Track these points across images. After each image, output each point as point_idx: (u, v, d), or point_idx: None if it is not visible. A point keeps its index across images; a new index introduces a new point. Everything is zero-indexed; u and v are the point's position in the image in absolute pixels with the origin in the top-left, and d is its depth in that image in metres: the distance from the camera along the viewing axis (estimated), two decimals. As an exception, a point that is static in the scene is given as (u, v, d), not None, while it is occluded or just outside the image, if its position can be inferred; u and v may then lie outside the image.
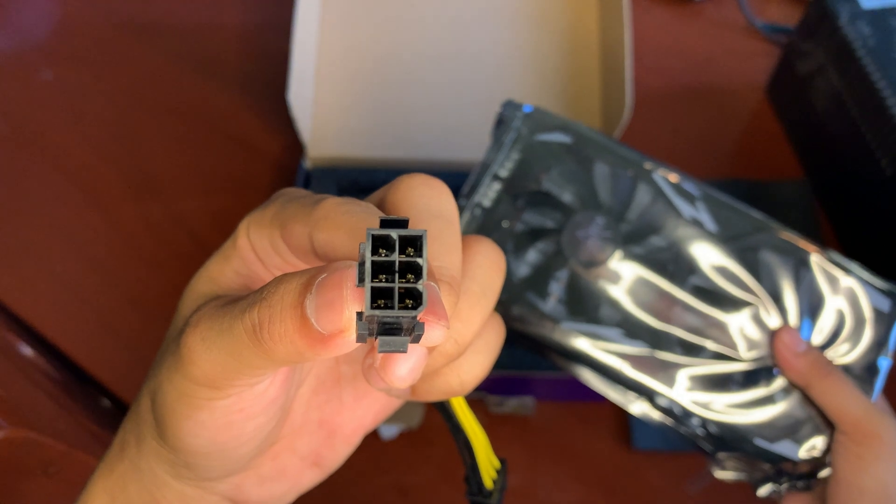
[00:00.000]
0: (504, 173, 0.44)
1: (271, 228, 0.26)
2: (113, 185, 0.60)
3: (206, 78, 0.66)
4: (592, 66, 0.59)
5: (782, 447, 0.38)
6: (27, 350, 0.55)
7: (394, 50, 0.59)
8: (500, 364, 0.48)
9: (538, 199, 0.43)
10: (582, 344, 0.40)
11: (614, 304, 0.41)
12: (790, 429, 0.38)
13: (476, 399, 0.51)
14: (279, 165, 0.60)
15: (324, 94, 0.58)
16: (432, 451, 0.49)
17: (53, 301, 0.54)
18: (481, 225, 0.43)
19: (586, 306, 0.41)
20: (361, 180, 0.55)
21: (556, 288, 0.41)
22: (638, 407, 0.40)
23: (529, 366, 0.48)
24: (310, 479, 0.29)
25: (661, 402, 0.39)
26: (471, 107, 0.58)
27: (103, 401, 0.58)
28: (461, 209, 0.43)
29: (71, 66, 0.66)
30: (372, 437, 0.50)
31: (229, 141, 0.62)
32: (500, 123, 0.46)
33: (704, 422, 0.39)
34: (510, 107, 0.46)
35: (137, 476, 0.26)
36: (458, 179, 0.55)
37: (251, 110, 0.64)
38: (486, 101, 0.58)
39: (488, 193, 0.44)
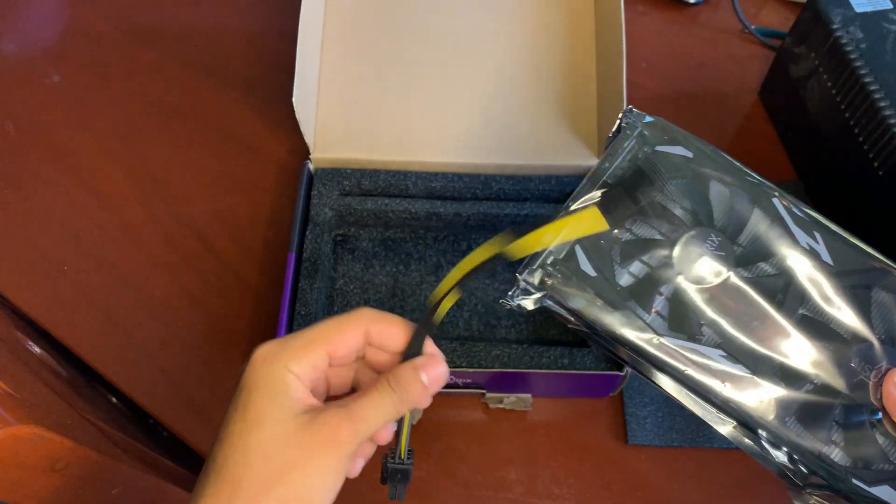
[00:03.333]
0: (617, 181, 0.43)
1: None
2: (120, 185, 0.61)
3: (212, 81, 0.66)
4: (588, 71, 0.60)
5: (881, 491, 0.36)
6: (35, 348, 0.55)
7: (396, 54, 0.60)
8: (500, 362, 0.49)
9: (649, 210, 0.42)
10: (680, 360, 0.39)
11: (717, 325, 0.39)
12: (892, 474, 0.36)
13: (476, 395, 0.51)
14: (284, 167, 0.61)
15: (327, 98, 0.59)
16: (432, 446, 0.50)
17: (61, 300, 0.55)
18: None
19: (689, 323, 0.40)
20: (364, 183, 0.56)
21: (660, 301, 0.40)
22: (727, 429, 0.39)
23: (528, 364, 0.49)
24: None
25: (754, 427, 0.38)
26: (471, 110, 0.59)
27: (110, 398, 0.59)
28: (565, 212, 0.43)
29: (78, 70, 0.67)
30: (373, 433, 0.50)
31: (235, 143, 0.63)
32: (619, 131, 0.45)
33: (797, 454, 0.37)
34: (631, 115, 0.46)
35: None
36: (457, 181, 0.57)
37: (256, 113, 0.65)
38: (486, 104, 0.59)
39: (596, 199, 0.43)
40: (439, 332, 0.54)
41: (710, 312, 0.40)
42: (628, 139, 0.44)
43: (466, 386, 0.50)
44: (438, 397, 0.51)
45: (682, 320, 0.40)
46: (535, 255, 0.43)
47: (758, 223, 0.41)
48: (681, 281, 0.41)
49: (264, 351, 0.32)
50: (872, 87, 0.50)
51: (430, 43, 0.61)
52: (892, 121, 0.49)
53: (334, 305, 0.55)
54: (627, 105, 0.51)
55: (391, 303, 0.55)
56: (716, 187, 0.43)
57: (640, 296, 0.41)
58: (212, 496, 0.29)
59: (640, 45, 0.69)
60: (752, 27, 0.70)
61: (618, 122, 0.45)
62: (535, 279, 0.42)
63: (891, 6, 0.54)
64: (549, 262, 0.42)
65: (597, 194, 0.43)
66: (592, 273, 0.41)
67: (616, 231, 0.42)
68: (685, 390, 0.40)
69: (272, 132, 0.63)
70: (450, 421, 0.51)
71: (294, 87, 0.52)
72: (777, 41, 0.68)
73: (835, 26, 0.54)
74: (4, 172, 0.61)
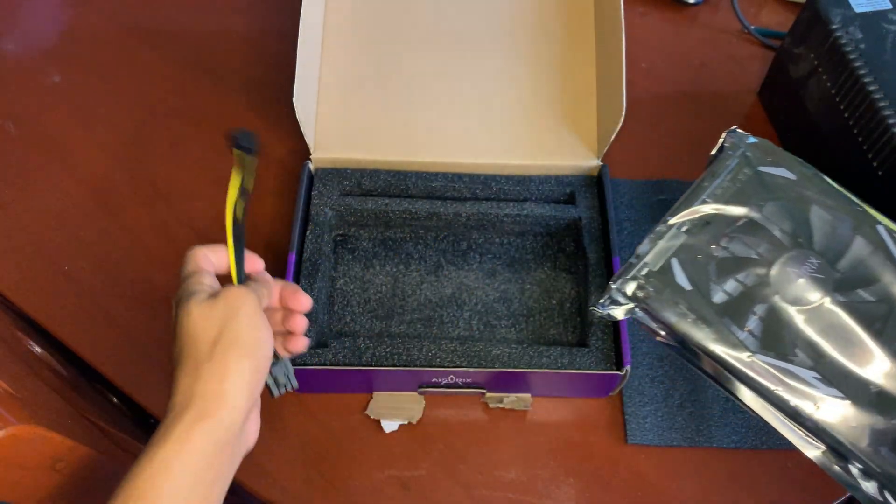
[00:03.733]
0: (717, 199, 0.44)
1: None
2: (120, 185, 0.61)
3: (212, 81, 0.67)
4: (588, 72, 0.60)
5: None
6: (36, 347, 0.55)
7: (395, 54, 0.60)
8: (500, 362, 0.49)
9: (747, 229, 0.42)
10: (771, 379, 0.39)
11: (812, 347, 0.39)
12: None
13: (476, 395, 0.51)
14: (284, 167, 0.61)
15: (328, 98, 0.59)
16: (432, 445, 0.50)
17: (62, 299, 0.55)
18: (682, 245, 0.43)
19: (782, 343, 0.39)
20: (365, 183, 0.56)
21: (754, 320, 0.40)
22: (815, 453, 0.39)
23: (528, 364, 0.49)
24: None
25: (845, 454, 0.37)
26: (470, 110, 0.59)
27: (110, 397, 0.59)
28: (667, 230, 0.43)
29: (79, 70, 0.67)
30: (373, 432, 0.50)
31: (234, 143, 0.63)
32: (721, 150, 0.45)
33: (889, 485, 0.36)
34: (735, 136, 0.46)
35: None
36: (457, 181, 0.57)
37: (256, 113, 0.65)
38: (486, 104, 0.59)
39: (696, 216, 0.43)
40: (440, 332, 0.54)
41: (806, 334, 0.39)
42: (731, 159, 0.45)
43: (467, 385, 0.50)
44: (439, 397, 0.51)
45: (775, 340, 0.40)
46: (629, 266, 0.43)
47: (860, 249, 0.41)
48: (777, 301, 0.40)
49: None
50: (872, 88, 0.50)
51: (430, 44, 0.61)
52: (892, 121, 0.49)
53: (335, 305, 0.55)
54: (626, 105, 0.52)
55: (391, 302, 0.55)
56: (817, 211, 0.43)
57: (733, 313, 0.40)
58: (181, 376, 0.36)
59: (640, 46, 0.70)
60: (752, 27, 0.70)
61: (721, 141, 0.45)
62: (629, 290, 0.42)
63: (890, 6, 0.54)
64: (643, 273, 0.42)
65: (699, 210, 0.43)
66: (688, 287, 0.42)
67: (713, 247, 0.42)
68: (773, 410, 0.39)
69: (272, 132, 0.63)
70: (450, 421, 0.51)
71: (294, 88, 0.52)
72: (777, 41, 0.68)
73: (834, 27, 0.54)
74: (5, 172, 0.61)
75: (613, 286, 0.43)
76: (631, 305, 0.42)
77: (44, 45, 0.69)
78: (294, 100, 0.52)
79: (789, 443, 0.49)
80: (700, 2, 0.72)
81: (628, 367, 0.47)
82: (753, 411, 0.40)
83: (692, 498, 0.49)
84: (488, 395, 0.51)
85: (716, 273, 0.42)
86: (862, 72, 0.51)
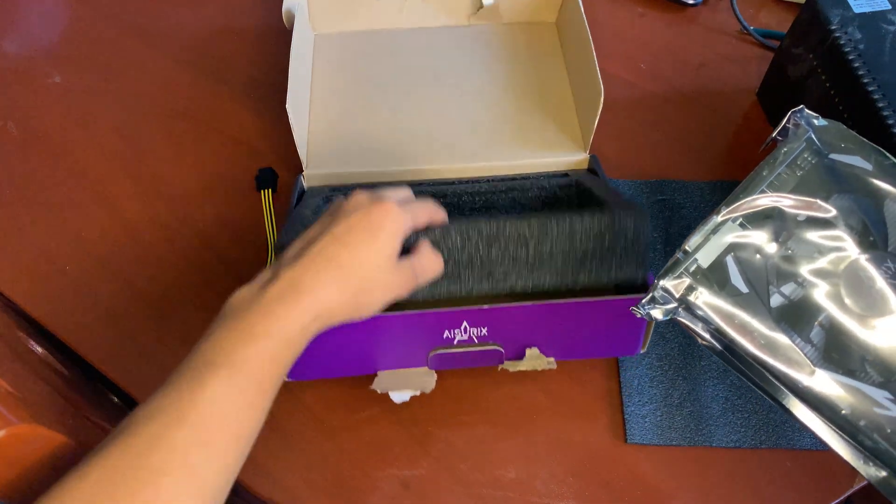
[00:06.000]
0: (779, 190, 0.38)
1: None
2: (120, 185, 0.61)
3: (212, 81, 0.67)
4: (560, 76, 0.62)
5: None
6: (36, 347, 0.55)
7: (382, 84, 0.62)
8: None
9: (813, 226, 0.38)
10: (835, 398, 0.35)
11: (885, 364, 0.35)
12: None
13: (493, 367, 0.49)
14: (285, 167, 0.62)
15: (319, 120, 0.60)
16: (433, 444, 0.50)
17: (62, 299, 0.55)
18: (738, 242, 0.38)
19: (849, 357, 0.35)
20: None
21: (817, 329, 0.36)
22: (877, 475, 0.35)
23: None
24: None
25: None
26: (457, 120, 0.60)
27: (111, 397, 0.59)
28: (722, 223, 0.38)
29: (78, 70, 0.67)
30: (374, 432, 0.50)
31: (235, 143, 0.63)
32: (785, 133, 0.40)
33: None
34: (801, 116, 0.40)
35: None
36: (448, 184, 0.55)
37: (256, 113, 0.65)
38: (472, 116, 0.60)
39: (755, 209, 0.38)
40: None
41: (878, 349, 0.35)
42: (795, 143, 0.39)
43: (482, 342, 0.46)
44: (454, 371, 0.50)
45: (841, 353, 0.36)
46: (677, 262, 0.38)
47: None
48: (845, 310, 0.36)
49: None
50: (870, 88, 0.51)
51: (413, 74, 0.63)
52: (891, 121, 0.49)
53: None
54: (603, 94, 0.50)
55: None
56: (892, 207, 0.38)
57: (793, 321, 0.36)
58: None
59: (639, 46, 0.70)
60: (751, 28, 0.70)
61: (784, 122, 0.40)
62: (677, 289, 0.38)
63: (889, 7, 0.54)
64: (691, 270, 0.38)
65: (758, 201, 0.38)
66: (744, 290, 0.37)
67: (774, 245, 0.37)
68: (832, 428, 0.36)
69: (273, 131, 0.63)
70: (450, 421, 0.51)
71: (287, 107, 0.52)
72: (775, 42, 0.68)
73: (833, 27, 0.54)
74: (5, 172, 0.61)
75: (661, 283, 0.38)
76: (674, 305, 0.38)
77: (44, 45, 0.69)
78: (290, 119, 0.52)
79: (788, 442, 0.50)
80: (699, 2, 0.72)
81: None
82: (807, 427, 0.36)
83: (692, 497, 0.49)
84: (507, 362, 0.48)
85: (776, 275, 0.37)
86: (861, 72, 0.51)
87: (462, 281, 0.45)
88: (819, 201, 0.38)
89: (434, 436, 0.50)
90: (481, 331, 0.46)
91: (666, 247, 0.58)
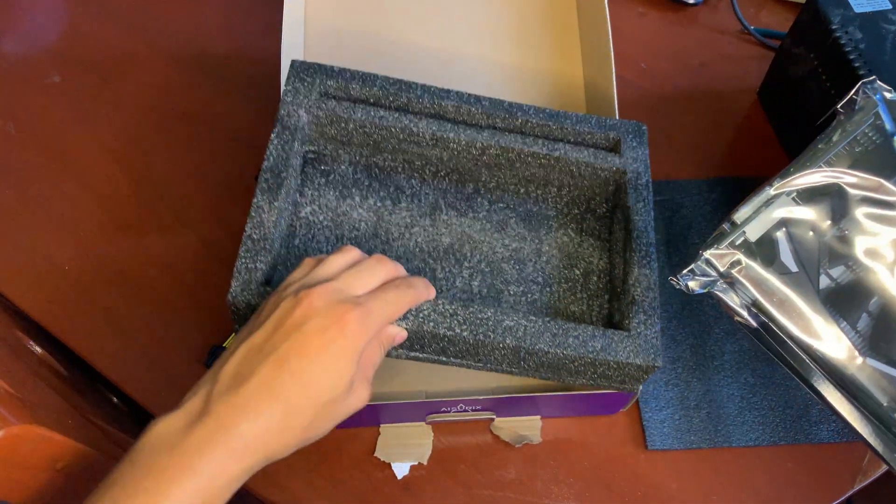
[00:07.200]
0: (838, 165, 0.36)
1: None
2: (120, 185, 0.61)
3: (212, 81, 0.67)
4: (576, 79, 0.59)
5: None
6: (36, 347, 0.55)
7: (381, 54, 0.58)
8: (512, 335, 0.41)
9: (872, 206, 0.35)
10: (877, 389, 0.34)
11: None
12: None
13: (485, 420, 0.50)
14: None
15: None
16: (433, 444, 0.50)
17: (62, 299, 0.55)
18: (792, 218, 0.36)
19: None
20: (354, 87, 0.47)
21: (865, 316, 0.34)
22: None
23: (549, 343, 0.41)
24: None
25: None
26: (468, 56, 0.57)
27: (111, 397, 0.59)
28: (774, 197, 0.36)
29: (79, 70, 0.67)
30: (374, 431, 0.50)
31: (235, 143, 0.63)
32: (852, 105, 0.38)
33: None
34: (871, 88, 0.38)
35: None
36: (474, 103, 0.47)
37: (257, 113, 0.65)
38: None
39: (812, 185, 0.36)
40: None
41: None
42: (863, 116, 0.37)
43: (476, 412, 0.48)
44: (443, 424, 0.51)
45: (889, 342, 0.34)
46: (722, 233, 0.36)
47: None
48: None
49: None
50: (871, 88, 0.50)
51: (416, 46, 0.58)
52: (891, 121, 0.49)
53: (296, 237, 0.45)
54: (617, 106, 0.50)
55: (371, 244, 0.45)
56: None
57: (841, 306, 0.35)
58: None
59: (640, 46, 0.70)
60: (752, 28, 0.70)
61: (851, 93, 0.38)
62: (723, 263, 0.36)
63: (890, 6, 0.54)
64: (738, 243, 0.36)
65: (815, 176, 0.36)
66: (794, 268, 0.35)
67: (829, 224, 0.35)
68: (870, 419, 0.34)
69: (270, 130, 0.63)
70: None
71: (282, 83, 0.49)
72: (776, 42, 0.68)
73: (834, 27, 0.54)
74: (5, 172, 0.61)
75: (705, 254, 0.36)
76: (713, 278, 0.36)
77: (44, 45, 0.69)
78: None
79: (807, 436, 0.48)
80: (700, 2, 0.72)
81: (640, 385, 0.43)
82: (840, 414, 0.35)
83: (693, 498, 0.49)
84: (496, 422, 0.50)
85: (828, 255, 0.35)
86: (861, 72, 0.51)
87: (443, 359, 0.41)
88: (884, 181, 0.36)
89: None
90: (475, 406, 0.47)
91: (668, 247, 0.58)
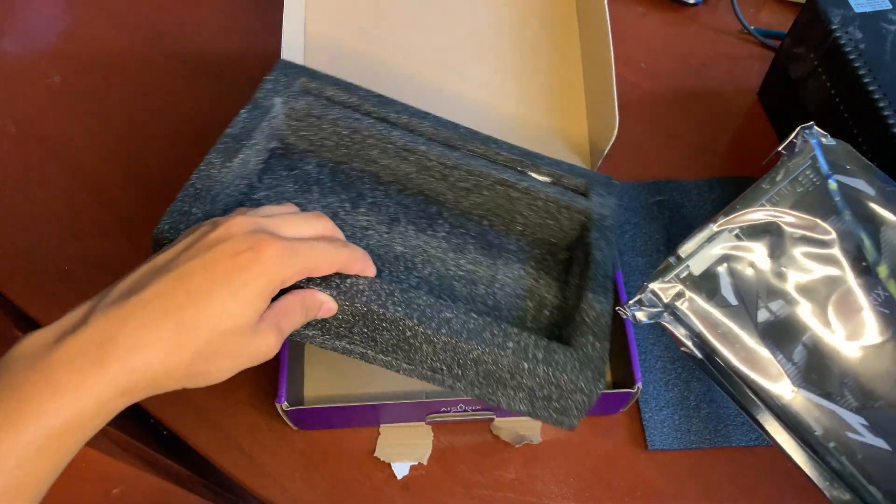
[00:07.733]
0: (778, 205, 0.38)
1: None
2: (120, 186, 0.61)
3: (213, 82, 0.67)
4: (576, 80, 0.59)
5: None
6: (36, 348, 0.55)
7: (381, 74, 0.58)
8: (448, 328, 0.39)
9: (809, 245, 0.37)
10: (811, 419, 0.35)
11: (863, 391, 0.35)
12: None
13: (485, 420, 0.50)
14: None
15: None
16: (433, 444, 0.50)
17: (61, 300, 0.55)
18: (733, 253, 0.38)
19: (829, 380, 0.35)
20: (335, 93, 0.48)
21: (800, 349, 0.36)
22: (840, 497, 0.35)
23: (488, 341, 0.39)
24: None
25: None
26: (456, 116, 0.58)
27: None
28: (718, 233, 0.38)
29: (78, 70, 0.67)
30: (374, 431, 0.50)
31: (234, 143, 0.63)
32: (792, 148, 0.40)
33: None
34: (810, 133, 0.40)
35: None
36: (451, 128, 0.48)
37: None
38: (474, 111, 0.58)
39: (753, 222, 0.38)
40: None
41: (859, 375, 0.35)
42: (801, 159, 0.39)
43: (476, 412, 0.48)
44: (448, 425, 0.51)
45: (821, 375, 0.35)
46: (668, 266, 0.38)
47: None
48: (830, 332, 0.36)
49: None
50: (871, 88, 0.51)
51: (416, 61, 0.58)
52: (892, 121, 0.49)
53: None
54: (618, 116, 0.50)
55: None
56: (891, 234, 0.37)
57: (777, 337, 0.36)
58: None
59: (639, 46, 0.70)
60: (752, 28, 0.70)
61: (791, 137, 0.40)
62: (667, 295, 0.38)
63: (890, 6, 0.54)
64: (683, 276, 0.38)
65: (756, 215, 0.38)
66: (733, 302, 0.37)
67: (768, 261, 0.37)
68: (803, 448, 0.35)
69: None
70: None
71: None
72: (776, 42, 0.68)
73: (834, 27, 0.54)
74: (5, 172, 0.61)
75: (650, 286, 0.38)
76: (659, 309, 0.38)
77: (44, 45, 0.69)
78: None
79: None
80: (700, 2, 0.72)
81: (639, 385, 0.44)
82: (778, 444, 0.36)
83: (692, 498, 0.49)
84: (496, 422, 0.49)
85: (766, 290, 0.37)
86: (862, 72, 0.51)
87: (388, 358, 0.39)
88: (819, 221, 0.38)
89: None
90: (475, 406, 0.47)
91: (668, 248, 0.58)
